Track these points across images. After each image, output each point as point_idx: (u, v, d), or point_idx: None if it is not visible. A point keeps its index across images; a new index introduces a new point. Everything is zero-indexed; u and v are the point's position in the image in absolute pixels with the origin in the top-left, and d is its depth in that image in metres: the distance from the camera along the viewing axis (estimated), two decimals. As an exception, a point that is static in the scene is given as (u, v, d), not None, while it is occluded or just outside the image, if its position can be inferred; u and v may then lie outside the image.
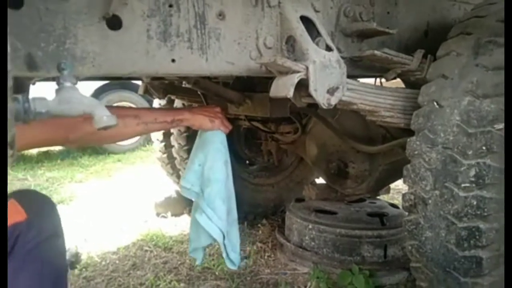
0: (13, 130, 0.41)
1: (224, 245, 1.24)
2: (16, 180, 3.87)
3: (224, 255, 1.26)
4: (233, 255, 1.28)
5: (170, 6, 0.94)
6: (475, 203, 1.00)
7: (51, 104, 0.63)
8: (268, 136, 2.55)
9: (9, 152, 0.42)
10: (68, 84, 0.68)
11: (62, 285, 1.04)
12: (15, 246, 0.93)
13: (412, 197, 1.13)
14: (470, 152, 1.01)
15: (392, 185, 2.20)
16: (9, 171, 3.98)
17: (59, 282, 1.02)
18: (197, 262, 1.35)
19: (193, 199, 1.30)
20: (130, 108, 1.22)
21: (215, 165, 1.22)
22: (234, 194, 1.32)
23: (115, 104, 4.86)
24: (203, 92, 1.82)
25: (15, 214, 0.95)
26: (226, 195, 1.23)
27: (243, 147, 2.72)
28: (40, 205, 1.03)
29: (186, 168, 1.30)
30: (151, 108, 1.29)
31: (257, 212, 2.65)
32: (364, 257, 1.87)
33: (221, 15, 1.01)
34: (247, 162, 2.78)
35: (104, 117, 0.70)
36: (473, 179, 1.01)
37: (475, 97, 1.03)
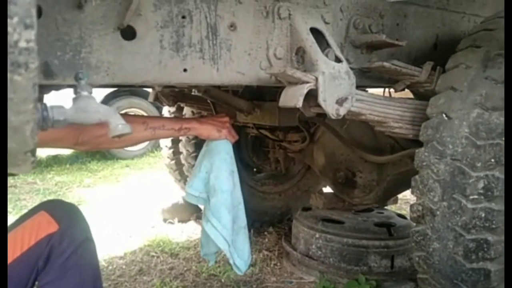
0: (36, 138, 0.43)
1: (230, 252, 1.25)
2: (26, 183, 3.91)
3: (231, 261, 1.28)
4: (239, 262, 1.30)
5: (183, 17, 0.96)
6: (483, 215, 1.00)
7: (69, 112, 0.65)
8: (275, 144, 2.56)
9: (31, 158, 0.44)
10: (85, 93, 0.70)
11: (100, 285, 1.09)
12: (50, 257, 0.97)
13: (420, 208, 1.13)
14: (478, 164, 1.01)
15: (399, 196, 2.20)
16: (19, 175, 4.03)
17: (97, 283, 1.07)
18: (210, 264, 1.37)
19: (201, 206, 1.32)
20: (139, 115, 1.24)
21: (220, 175, 1.23)
22: (243, 202, 1.33)
23: (124, 111, 4.92)
24: (213, 100, 1.84)
25: (48, 225, 0.99)
26: (232, 204, 1.24)
27: (251, 154, 2.73)
28: (69, 214, 1.07)
29: (192, 176, 1.31)
30: (160, 116, 1.31)
31: (264, 220, 2.65)
32: (371, 267, 1.86)
33: (232, 26, 1.03)
34: (255, 169, 2.79)
35: (119, 126, 0.72)
36: (481, 191, 1.01)
37: (484, 110, 1.03)
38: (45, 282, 0.98)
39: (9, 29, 0.34)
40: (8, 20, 0.33)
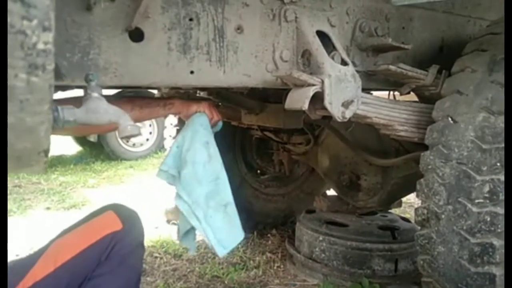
0: (49, 139, 0.44)
1: (204, 229, 1.13)
2: (30, 184, 3.93)
3: (211, 240, 1.15)
4: (215, 242, 1.15)
5: (191, 19, 0.97)
6: (488, 219, 1.00)
7: (79, 113, 0.66)
8: (280, 146, 2.56)
9: (44, 159, 0.45)
10: (95, 94, 0.71)
11: None
12: (112, 251, 1.04)
13: (425, 211, 1.13)
14: (484, 168, 1.01)
15: (404, 199, 2.19)
16: (24, 175, 4.05)
17: (138, 287, 1.14)
18: (190, 252, 1.31)
19: (169, 183, 1.23)
20: (126, 97, 1.25)
21: (192, 146, 1.17)
22: (226, 178, 1.21)
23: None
24: (223, 102, 1.84)
25: (114, 224, 1.07)
26: (205, 177, 1.16)
27: (255, 156, 2.73)
28: (132, 217, 1.14)
29: (167, 153, 1.24)
30: (145, 97, 1.30)
31: (267, 222, 2.65)
32: (375, 270, 1.86)
33: (239, 29, 1.03)
34: (258, 171, 2.79)
35: (128, 127, 0.73)
36: (487, 195, 1.01)
37: (490, 113, 1.03)
38: (99, 273, 1.03)
39: (28, 31, 0.35)
40: (27, 23, 0.34)
